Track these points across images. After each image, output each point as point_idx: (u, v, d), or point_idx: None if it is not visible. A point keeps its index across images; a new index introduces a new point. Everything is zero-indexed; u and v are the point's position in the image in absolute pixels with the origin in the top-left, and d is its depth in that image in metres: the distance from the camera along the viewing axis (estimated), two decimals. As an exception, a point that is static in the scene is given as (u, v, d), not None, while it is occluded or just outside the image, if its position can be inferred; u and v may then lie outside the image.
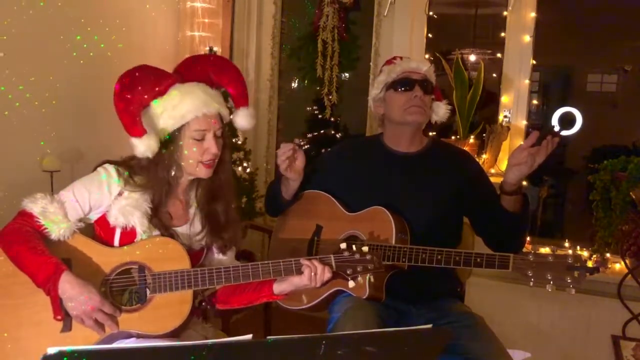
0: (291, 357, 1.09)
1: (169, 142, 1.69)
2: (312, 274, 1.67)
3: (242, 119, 1.83)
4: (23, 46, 2.63)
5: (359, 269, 1.73)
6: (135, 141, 1.65)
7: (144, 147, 1.65)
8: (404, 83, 2.05)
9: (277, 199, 2.16)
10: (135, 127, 1.64)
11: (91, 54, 2.92)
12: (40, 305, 1.59)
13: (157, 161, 1.69)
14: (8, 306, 1.62)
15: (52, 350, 0.94)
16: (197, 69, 1.78)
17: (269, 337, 1.05)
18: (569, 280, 1.73)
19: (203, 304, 1.91)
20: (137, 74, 1.67)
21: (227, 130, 1.82)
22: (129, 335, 1.64)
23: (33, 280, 1.56)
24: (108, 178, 1.67)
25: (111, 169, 1.69)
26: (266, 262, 1.71)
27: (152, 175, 1.69)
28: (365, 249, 1.74)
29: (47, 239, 1.63)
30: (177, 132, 1.69)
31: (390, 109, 2.10)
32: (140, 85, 1.65)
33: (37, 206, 1.63)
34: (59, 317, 1.58)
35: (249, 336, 1.07)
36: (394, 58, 2.15)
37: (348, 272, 1.73)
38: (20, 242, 1.59)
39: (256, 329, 3.13)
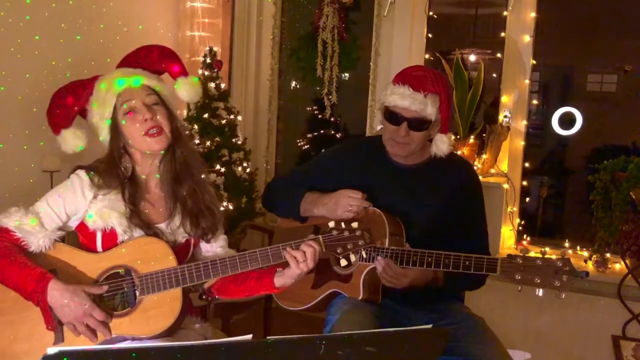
0: (291, 357, 1.09)
1: (112, 132, 1.70)
2: (297, 261, 1.63)
3: (183, 89, 1.80)
4: (23, 45, 2.63)
5: (349, 247, 1.68)
6: (59, 139, 1.74)
7: (65, 142, 1.74)
8: (391, 117, 1.98)
9: (289, 206, 2.12)
10: (54, 128, 1.75)
11: (92, 53, 2.91)
12: (31, 320, 1.58)
13: (111, 156, 1.70)
14: (0, 323, 1.60)
15: (52, 351, 0.94)
16: (130, 61, 1.80)
17: (269, 337, 1.05)
18: (557, 284, 1.72)
19: (204, 297, 1.88)
20: (57, 99, 1.74)
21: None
22: (123, 340, 1.62)
23: (20, 294, 1.55)
24: (81, 183, 1.67)
25: (83, 174, 1.69)
26: (253, 250, 1.66)
27: (114, 172, 1.69)
28: (354, 224, 1.69)
29: (27, 252, 1.61)
30: (113, 120, 1.69)
31: (383, 128, 2.09)
32: (68, 102, 1.72)
33: (12, 220, 1.61)
34: (51, 327, 1.56)
35: (249, 336, 1.06)
36: (404, 78, 1.97)
37: (338, 251, 1.68)
38: (0, 257, 1.57)
39: (256, 329, 3.13)
